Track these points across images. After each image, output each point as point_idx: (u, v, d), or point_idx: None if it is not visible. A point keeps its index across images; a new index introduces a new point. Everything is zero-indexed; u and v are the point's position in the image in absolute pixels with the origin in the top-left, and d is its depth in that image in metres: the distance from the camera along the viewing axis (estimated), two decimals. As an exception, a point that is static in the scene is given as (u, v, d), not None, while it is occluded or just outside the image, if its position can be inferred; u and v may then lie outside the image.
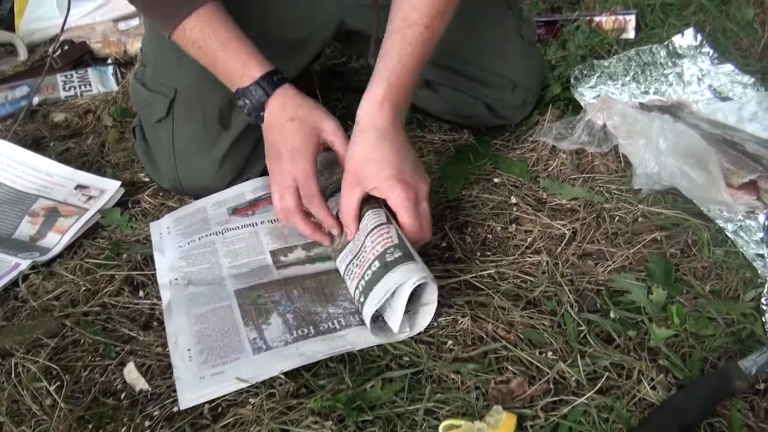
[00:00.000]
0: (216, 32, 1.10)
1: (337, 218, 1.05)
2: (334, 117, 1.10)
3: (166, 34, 1.12)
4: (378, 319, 0.96)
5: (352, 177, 1.01)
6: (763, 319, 0.93)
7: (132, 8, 1.50)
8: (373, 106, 1.02)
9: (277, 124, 1.09)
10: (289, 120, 1.07)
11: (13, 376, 0.95)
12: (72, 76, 1.78)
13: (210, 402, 0.88)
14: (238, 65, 1.10)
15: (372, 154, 1.01)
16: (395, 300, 0.93)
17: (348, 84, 1.66)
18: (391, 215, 1.01)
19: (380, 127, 1.02)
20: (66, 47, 1.88)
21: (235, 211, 1.21)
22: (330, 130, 1.08)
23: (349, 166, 1.02)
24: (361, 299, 0.95)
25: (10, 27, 2.09)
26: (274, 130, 1.09)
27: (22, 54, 2.00)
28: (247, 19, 1.24)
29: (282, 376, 0.89)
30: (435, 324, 0.96)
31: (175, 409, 0.88)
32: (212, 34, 1.10)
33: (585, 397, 0.84)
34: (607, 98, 1.35)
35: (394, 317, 0.94)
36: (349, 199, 1.01)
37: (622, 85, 1.48)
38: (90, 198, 1.29)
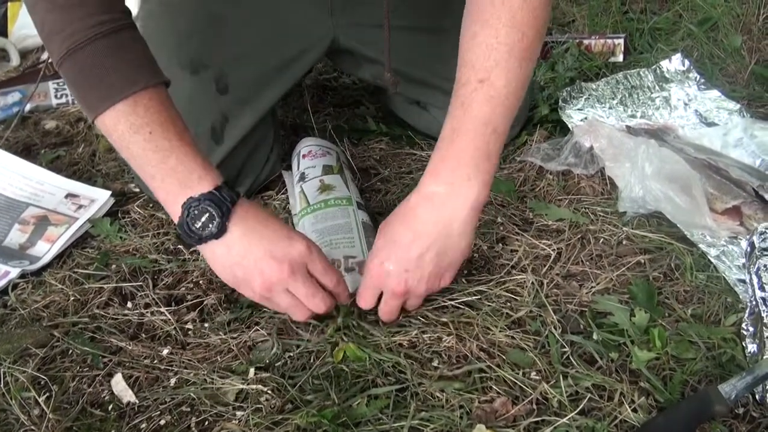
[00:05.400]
0: (175, 120, 0.92)
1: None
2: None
3: (103, 106, 0.89)
4: None
5: None
6: (744, 344, 0.94)
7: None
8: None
9: (249, 228, 0.93)
10: (263, 222, 0.94)
11: (1, 385, 0.95)
12: (64, 83, 1.78)
13: (197, 416, 0.89)
14: (197, 165, 0.92)
15: None
16: None
17: (339, 99, 1.68)
18: None
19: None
20: (59, 54, 1.88)
21: None
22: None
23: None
24: None
25: (3, 32, 2.09)
26: (249, 235, 0.93)
27: (15, 59, 2.00)
28: (238, 36, 1.25)
29: (269, 392, 0.90)
30: (421, 340, 0.98)
31: (162, 422, 0.89)
32: (169, 121, 0.91)
33: (567, 417, 0.85)
34: (594, 121, 1.37)
35: None
36: None
37: (610, 108, 1.50)
38: (80, 207, 1.29)
